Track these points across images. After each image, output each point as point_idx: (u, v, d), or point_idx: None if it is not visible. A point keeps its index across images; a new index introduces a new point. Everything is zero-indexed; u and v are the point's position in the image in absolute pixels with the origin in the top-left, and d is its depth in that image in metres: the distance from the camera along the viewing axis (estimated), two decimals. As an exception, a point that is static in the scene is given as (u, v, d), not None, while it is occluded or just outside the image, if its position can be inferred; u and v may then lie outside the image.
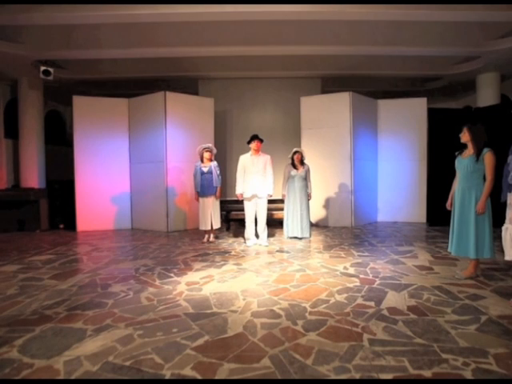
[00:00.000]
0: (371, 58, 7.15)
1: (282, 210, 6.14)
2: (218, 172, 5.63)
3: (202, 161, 5.63)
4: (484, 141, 3.26)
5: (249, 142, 5.30)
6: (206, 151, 5.59)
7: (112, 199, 7.21)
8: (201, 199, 5.60)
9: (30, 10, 5.15)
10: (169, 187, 6.86)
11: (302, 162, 5.79)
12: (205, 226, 5.58)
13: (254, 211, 5.39)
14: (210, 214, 5.58)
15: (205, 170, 5.55)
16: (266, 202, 5.40)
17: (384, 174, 7.77)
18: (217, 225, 5.66)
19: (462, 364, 1.86)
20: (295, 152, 5.75)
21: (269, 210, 5.63)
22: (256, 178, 5.24)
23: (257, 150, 5.28)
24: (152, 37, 6.16)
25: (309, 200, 5.84)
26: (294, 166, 5.75)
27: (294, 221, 5.71)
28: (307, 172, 5.81)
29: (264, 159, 5.33)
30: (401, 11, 5.22)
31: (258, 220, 5.42)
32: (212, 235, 5.71)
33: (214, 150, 5.74)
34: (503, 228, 3.03)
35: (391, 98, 7.98)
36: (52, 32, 5.87)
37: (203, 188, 5.52)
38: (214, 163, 5.65)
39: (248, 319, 2.50)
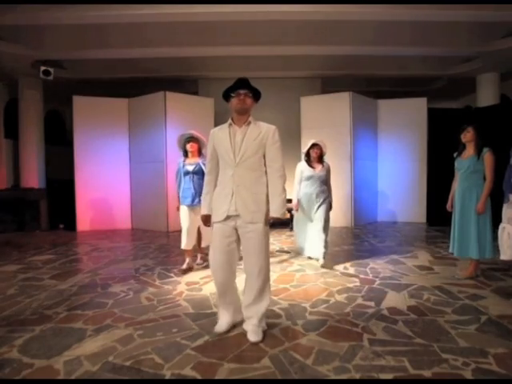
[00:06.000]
0: (371, 58, 7.14)
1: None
2: None
3: (185, 156, 3.98)
4: (483, 141, 3.27)
5: (226, 96, 2.50)
6: (189, 142, 3.87)
7: (112, 199, 7.21)
8: (184, 209, 3.86)
9: (32, 10, 5.14)
10: (169, 187, 6.85)
11: (321, 159, 4.15)
12: (187, 244, 3.86)
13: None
14: (198, 230, 4.02)
15: (189, 168, 3.85)
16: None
17: (384, 174, 7.76)
18: (206, 242, 3.95)
19: (462, 364, 1.86)
20: (313, 145, 4.07)
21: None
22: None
23: (243, 111, 2.40)
24: (152, 37, 6.15)
25: (330, 211, 4.17)
26: (310, 165, 4.11)
27: (312, 239, 4.13)
28: (328, 172, 4.16)
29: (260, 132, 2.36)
30: (400, 11, 5.22)
31: None
32: (199, 256, 4.19)
33: (203, 140, 3.86)
34: (500, 227, 3.03)
35: (391, 98, 7.97)
36: (52, 32, 5.87)
37: (186, 193, 3.82)
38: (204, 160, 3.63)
39: (248, 319, 2.49)
